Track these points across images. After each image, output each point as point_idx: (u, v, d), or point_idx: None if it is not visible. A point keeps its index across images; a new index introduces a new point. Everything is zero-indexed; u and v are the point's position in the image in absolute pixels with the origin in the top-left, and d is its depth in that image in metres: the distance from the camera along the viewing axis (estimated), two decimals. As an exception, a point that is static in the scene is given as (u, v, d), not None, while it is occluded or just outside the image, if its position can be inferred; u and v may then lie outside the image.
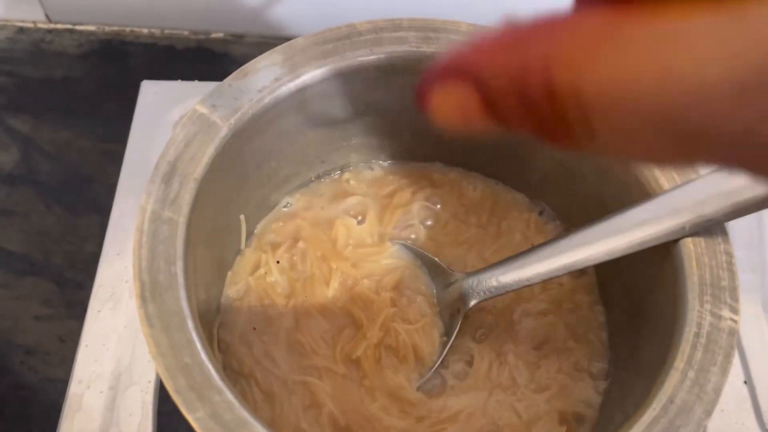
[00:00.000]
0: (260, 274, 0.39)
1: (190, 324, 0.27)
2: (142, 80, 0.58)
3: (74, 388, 0.43)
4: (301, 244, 0.40)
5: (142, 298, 0.27)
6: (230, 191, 0.35)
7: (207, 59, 0.66)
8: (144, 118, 0.53)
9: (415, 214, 0.41)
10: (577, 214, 0.40)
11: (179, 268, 0.28)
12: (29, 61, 0.69)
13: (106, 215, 0.52)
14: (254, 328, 0.37)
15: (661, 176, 0.33)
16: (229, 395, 0.26)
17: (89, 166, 0.69)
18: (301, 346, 0.37)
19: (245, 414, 0.26)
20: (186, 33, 0.67)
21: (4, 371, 0.57)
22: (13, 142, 0.70)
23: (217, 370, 0.27)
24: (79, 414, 0.42)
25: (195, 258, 0.31)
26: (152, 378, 0.43)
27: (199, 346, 0.27)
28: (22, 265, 0.64)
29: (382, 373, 0.36)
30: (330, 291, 0.38)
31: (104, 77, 0.68)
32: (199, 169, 0.31)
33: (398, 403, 0.35)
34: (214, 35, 0.67)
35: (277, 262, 0.39)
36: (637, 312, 0.35)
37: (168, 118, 0.53)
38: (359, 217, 0.41)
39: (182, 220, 0.30)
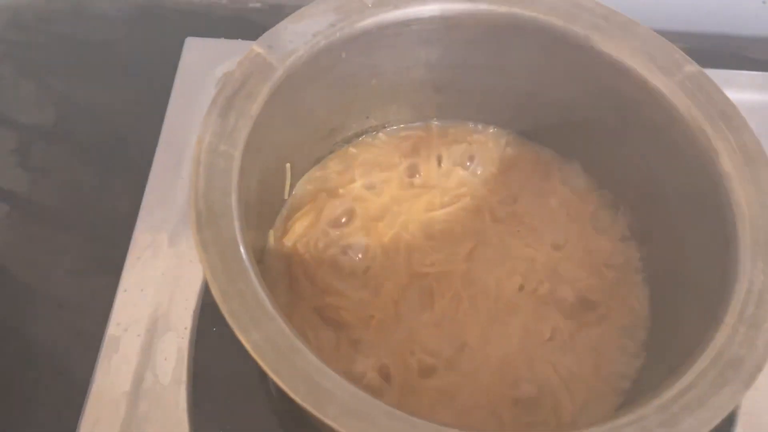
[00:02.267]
0: (301, 230, 0.39)
1: (243, 253, 0.27)
2: (183, 40, 0.58)
3: (112, 330, 0.43)
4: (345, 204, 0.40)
5: (198, 225, 0.27)
6: (280, 135, 0.36)
7: (244, 28, 0.65)
8: (187, 75, 0.54)
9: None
10: (622, 178, 0.40)
11: (234, 199, 0.29)
12: (69, 21, 0.69)
13: (142, 175, 0.52)
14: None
15: (716, 137, 0.33)
16: (282, 323, 0.26)
17: (125, 126, 0.69)
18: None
19: (297, 342, 0.26)
20: (224, 1, 0.66)
21: (36, 323, 0.58)
22: (50, 100, 0.70)
23: (270, 299, 0.27)
24: (116, 355, 0.43)
25: (248, 196, 0.31)
26: (188, 324, 0.43)
27: (252, 273, 0.27)
28: (57, 220, 0.65)
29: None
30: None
31: (143, 41, 0.67)
32: (255, 107, 0.31)
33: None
34: (251, 5, 0.67)
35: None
36: (683, 272, 0.35)
37: (212, 76, 0.53)
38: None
39: (237, 154, 0.30)
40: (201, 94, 0.52)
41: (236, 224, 0.28)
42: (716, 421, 0.25)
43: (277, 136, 0.35)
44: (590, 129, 0.40)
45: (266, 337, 0.25)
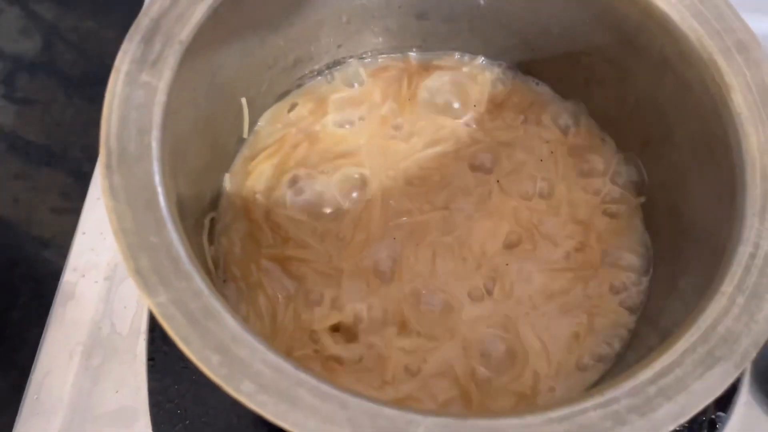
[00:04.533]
0: (264, 172, 0.35)
1: (161, 201, 0.24)
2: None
3: (68, 276, 0.41)
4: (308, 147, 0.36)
5: (107, 168, 0.24)
6: (227, 66, 0.31)
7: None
8: None
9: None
10: (625, 119, 0.35)
11: (154, 138, 0.25)
12: (55, -52, 0.64)
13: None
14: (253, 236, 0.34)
15: (729, 73, 0.28)
16: (199, 282, 0.23)
17: (113, 57, 0.66)
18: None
19: (215, 303, 0.22)
20: None
21: (20, 262, 0.56)
22: (36, 28, 0.67)
23: (188, 254, 0.23)
24: (72, 302, 0.40)
25: (178, 135, 0.28)
26: (149, 272, 0.41)
27: (169, 225, 0.23)
28: (41, 155, 0.62)
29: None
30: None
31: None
32: (186, 31, 0.27)
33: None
34: None
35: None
36: (684, 229, 0.31)
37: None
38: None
39: (162, 86, 0.26)
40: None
41: (155, 167, 0.24)
42: (697, 409, 0.21)
43: (223, 67, 0.31)
44: (591, 63, 0.34)
45: (176, 299, 0.22)
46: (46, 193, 0.61)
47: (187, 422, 0.36)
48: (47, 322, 0.40)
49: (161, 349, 0.38)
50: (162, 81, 0.26)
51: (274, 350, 0.22)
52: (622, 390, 0.22)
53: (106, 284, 0.41)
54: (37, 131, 0.64)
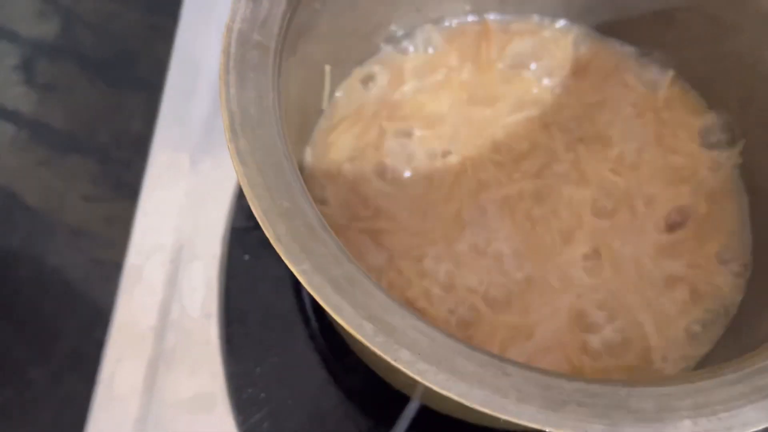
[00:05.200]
0: (346, 144, 0.34)
1: (287, 165, 0.22)
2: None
3: (133, 259, 0.39)
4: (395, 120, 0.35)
5: (232, 131, 0.22)
6: (320, 28, 0.30)
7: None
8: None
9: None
10: (721, 79, 0.34)
11: (272, 100, 0.23)
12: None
13: (154, 91, 0.48)
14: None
15: None
16: (337, 249, 0.21)
17: (136, 40, 0.64)
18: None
19: (356, 270, 0.21)
20: None
21: (50, 252, 0.55)
22: (54, 11, 0.65)
23: (321, 220, 0.22)
24: (139, 286, 0.39)
25: (286, 101, 0.26)
26: (217, 252, 0.39)
27: (298, 189, 0.22)
28: (66, 142, 0.61)
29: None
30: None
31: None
32: (292, -12, 0.25)
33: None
34: None
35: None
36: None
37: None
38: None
39: (273, 46, 0.24)
40: (217, 6, 0.47)
41: (276, 129, 0.23)
42: None
43: (315, 29, 0.30)
44: (687, 19, 0.33)
45: (319, 266, 0.21)
46: (73, 180, 0.60)
47: (272, 406, 0.35)
48: (114, 306, 0.38)
49: (238, 331, 0.37)
50: (273, 40, 0.24)
51: (425, 319, 0.21)
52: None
53: (172, 266, 0.39)
54: (61, 118, 0.63)
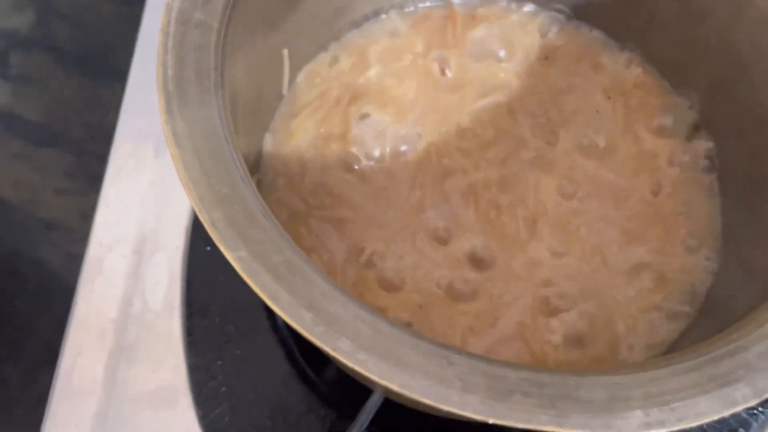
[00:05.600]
0: (308, 130, 0.33)
1: (227, 149, 0.22)
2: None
3: (94, 251, 0.38)
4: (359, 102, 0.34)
5: (168, 113, 0.21)
6: (273, 10, 0.29)
7: None
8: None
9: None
10: (690, 63, 0.33)
11: (214, 82, 0.22)
12: None
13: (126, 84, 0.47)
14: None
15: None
16: (277, 235, 0.20)
17: (111, 31, 0.63)
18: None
19: (297, 257, 0.20)
20: None
21: (24, 246, 0.54)
22: (29, 3, 0.64)
23: (262, 206, 0.21)
24: (100, 278, 0.38)
25: (233, 83, 0.25)
26: (180, 244, 0.38)
27: (239, 175, 0.21)
28: (41, 135, 0.60)
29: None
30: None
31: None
32: (237, -35, 0.24)
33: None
34: None
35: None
36: (764, 176, 0.29)
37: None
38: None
39: (217, 26, 0.23)
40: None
41: (217, 113, 0.22)
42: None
43: (267, 11, 0.29)
44: (656, 2, 0.32)
45: (258, 253, 0.20)
46: (48, 173, 0.59)
47: (233, 400, 0.34)
48: (74, 300, 0.38)
49: (200, 324, 0.36)
50: (217, 20, 0.24)
51: (368, 307, 0.20)
52: (750, 338, 0.20)
53: (134, 258, 0.38)
54: (36, 110, 0.62)
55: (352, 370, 0.28)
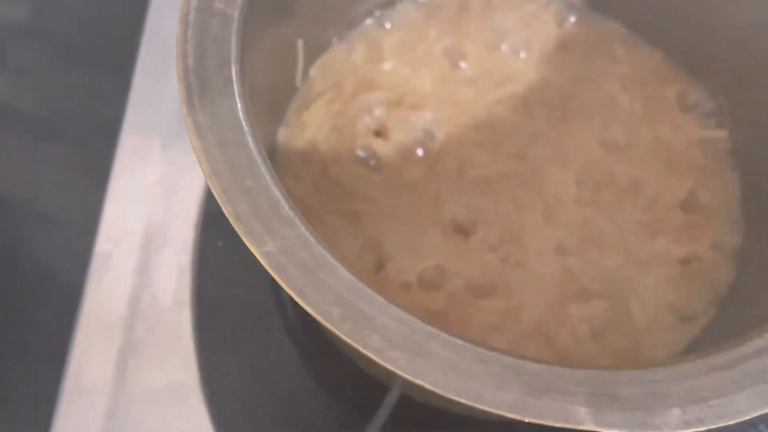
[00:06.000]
0: (321, 122, 0.32)
1: (250, 140, 0.21)
2: None
3: (101, 246, 0.38)
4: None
5: (190, 104, 0.21)
6: (288, 2, 0.28)
7: None
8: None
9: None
10: (709, 53, 0.32)
11: (235, 72, 0.22)
12: None
13: (131, 75, 0.46)
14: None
15: None
16: (304, 229, 0.20)
17: (112, 21, 0.62)
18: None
19: (324, 252, 0.20)
20: None
21: (24, 242, 0.53)
22: (24, -9, 0.62)
23: (287, 199, 0.20)
24: (108, 274, 0.37)
25: (251, 74, 0.25)
26: (189, 238, 0.38)
27: (263, 167, 0.21)
28: (40, 129, 0.59)
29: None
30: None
31: None
32: (257, -47, 0.24)
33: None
34: None
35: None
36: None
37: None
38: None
39: (237, 15, 0.23)
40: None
41: (239, 104, 0.21)
42: None
43: (284, 1, 0.28)
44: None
45: (285, 248, 0.19)
46: (49, 168, 0.58)
47: (245, 398, 0.33)
48: (82, 296, 0.37)
49: (211, 321, 0.35)
50: (237, 9, 0.23)
51: (396, 303, 0.19)
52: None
53: (142, 254, 0.38)
54: (35, 103, 0.61)
55: (376, 367, 0.27)
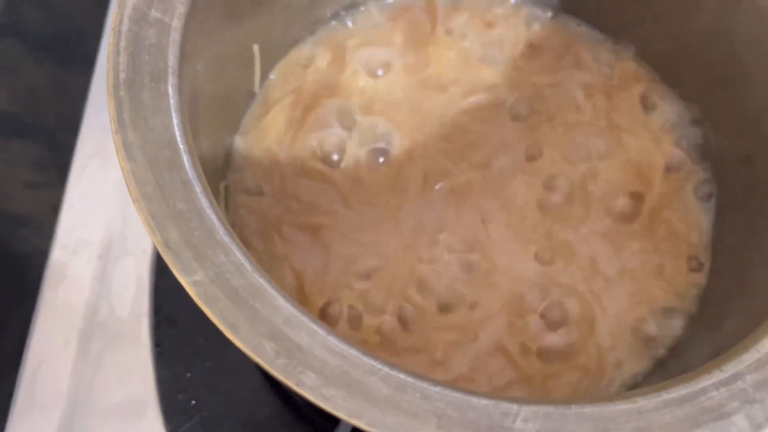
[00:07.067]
0: (280, 129, 0.31)
1: (186, 160, 0.20)
2: None
3: (57, 255, 0.36)
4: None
5: (119, 122, 0.19)
6: (240, 2, 0.27)
7: None
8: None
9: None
10: (683, 59, 0.31)
11: (171, 85, 0.21)
12: None
13: (92, 74, 0.45)
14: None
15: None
16: (239, 255, 0.19)
17: (82, 16, 0.61)
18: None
19: (260, 280, 0.19)
20: None
21: (-6, 244, 0.51)
22: (-5, -14, 0.61)
23: (223, 222, 0.19)
24: (64, 284, 0.36)
25: (193, 86, 0.23)
26: (148, 248, 0.36)
27: (198, 189, 0.19)
28: (10, 126, 0.57)
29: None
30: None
31: None
32: (198, -42, 0.22)
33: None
34: None
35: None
36: (759, 180, 0.28)
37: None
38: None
39: (176, 24, 0.21)
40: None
41: (175, 119, 0.20)
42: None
43: (233, 4, 0.27)
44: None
45: (217, 277, 0.18)
46: (18, 166, 0.56)
47: (204, 414, 0.32)
48: (37, 306, 0.36)
49: (169, 334, 0.34)
50: (175, 18, 0.22)
51: (335, 334, 0.18)
52: (744, 364, 0.19)
53: (100, 263, 0.36)
54: (5, 99, 0.59)
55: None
